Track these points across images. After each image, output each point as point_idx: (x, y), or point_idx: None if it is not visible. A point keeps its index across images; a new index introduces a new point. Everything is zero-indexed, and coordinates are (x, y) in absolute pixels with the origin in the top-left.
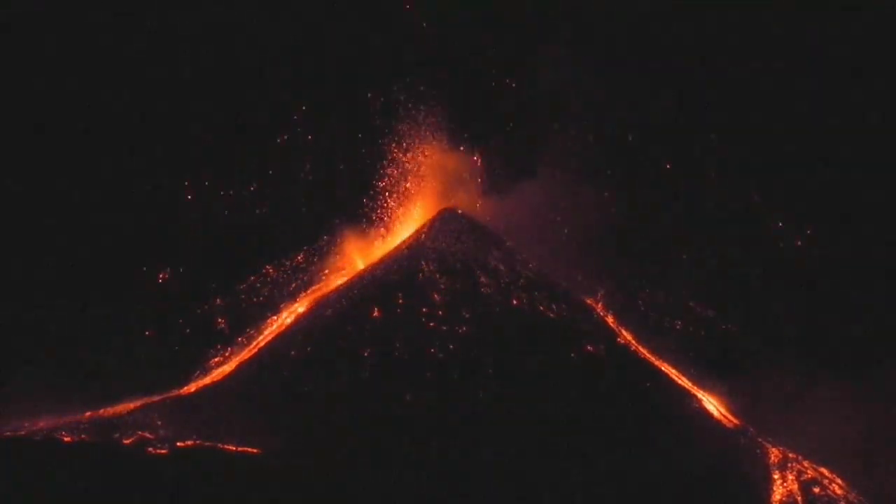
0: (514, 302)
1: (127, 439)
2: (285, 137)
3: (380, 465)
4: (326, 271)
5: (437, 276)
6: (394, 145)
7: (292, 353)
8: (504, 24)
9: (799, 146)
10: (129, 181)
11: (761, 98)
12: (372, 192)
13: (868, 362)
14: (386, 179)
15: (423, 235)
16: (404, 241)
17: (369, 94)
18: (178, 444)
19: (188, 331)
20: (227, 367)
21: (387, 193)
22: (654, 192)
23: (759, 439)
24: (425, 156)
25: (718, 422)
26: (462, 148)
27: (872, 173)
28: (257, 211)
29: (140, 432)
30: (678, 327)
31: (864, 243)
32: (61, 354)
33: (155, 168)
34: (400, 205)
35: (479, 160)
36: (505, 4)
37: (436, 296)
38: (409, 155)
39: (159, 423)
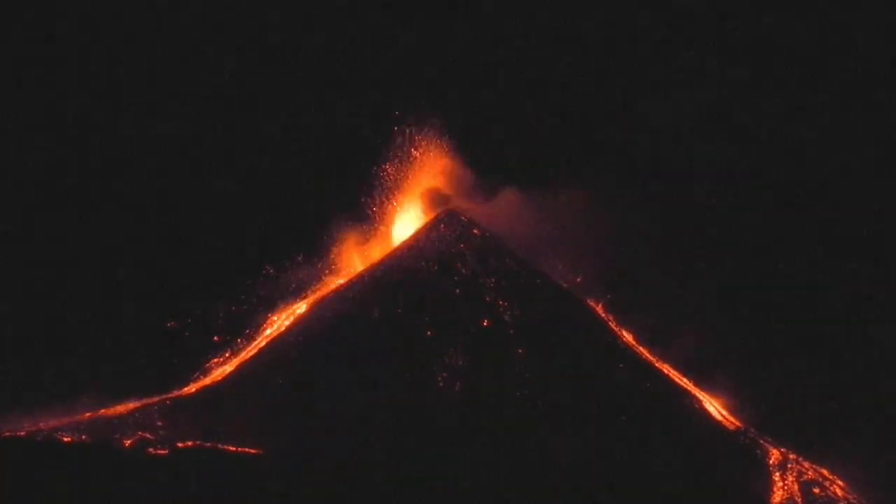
0: (515, 302)
1: (127, 439)
2: (285, 139)
3: (379, 464)
4: (326, 272)
5: (437, 276)
6: (394, 147)
7: (292, 353)
8: (506, 30)
9: (802, 151)
10: (130, 183)
11: (763, 103)
12: (372, 194)
13: (869, 363)
14: (386, 181)
15: (424, 236)
16: (404, 242)
17: (371, 96)
18: (178, 444)
19: (188, 332)
20: (227, 368)
21: (387, 194)
22: (656, 194)
23: (760, 440)
24: (426, 157)
25: (719, 422)
26: (463, 150)
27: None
28: (257, 212)
29: (140, 432)
30: (679, 328)
31: (864, 247)
32: (61, 354)
33: (155, 170)
34: (400, 206)
35: (481, 162)
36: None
37: (436, 296)
38: (410, 156)
39: (159, 423)
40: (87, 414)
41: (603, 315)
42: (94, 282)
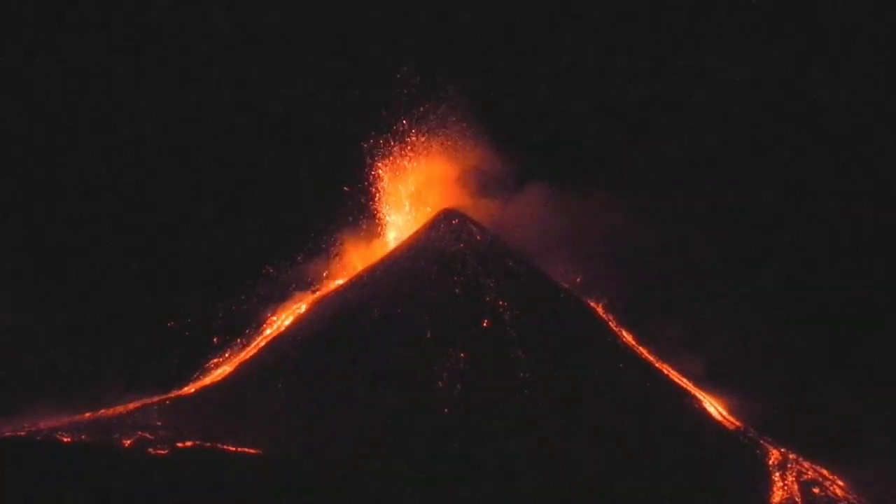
0: (515, 302)
1: (127, 439)
2: (285, 139)
3: (379, 464)
4: (326, 272)
5: (437, 276)
6: (395, 147)
7: (292, 353)
8: (506, 30)
9: (802, 148)
10: (130, 184)
11: (761, 101)
12: (372, 193)
13: (869, 363)
14: (386, 180)
15: (424, 236)
16: (404, 242)
17: (370, 97)
18: (178, 444)
19: (188, 332)
20: (227, 368)
21: (387, 194)
22: (655, 194)
23: (759, 440)
24: (426, 157)
25: (718, 422)
26: (463, 149)
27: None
28: (257, 212)
29: (140, 432)
30: (679, 329)
31: (864, 242)
32: (61, 354)
33: (155, 171)
34: (400, 206)
35: (481, 161)
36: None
37: (436, 296)
38: (409, 156)
39: (159, 423)
40: (87, 414)
41: (603, 315)
42: (94, 282)
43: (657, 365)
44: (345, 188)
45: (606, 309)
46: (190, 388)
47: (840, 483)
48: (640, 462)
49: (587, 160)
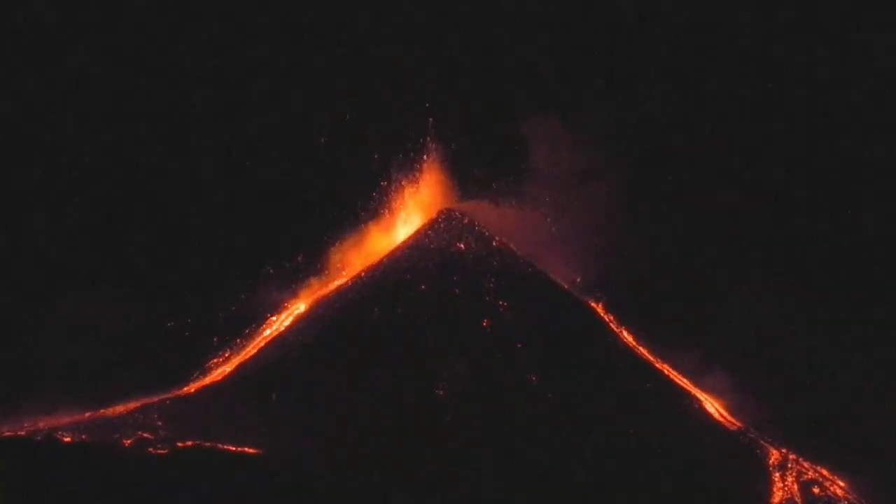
0: (515, 302)
1: (127, 439)
2: (285, 139)
3: (379, 464)
4: (326, 272)
5: (437, 276)
6: (394, 147)
7: (292, 353)
8: (508, 30)
9: (799, 144)
10: (130, 183)
11: (758, 97)
12: (372, 193)
13: (869, 363)
14: (386, 180)
15: (423, 235)
16: (404, 242)
17: (369, 96)
18: (178, 444)
19: (188, 332)
20: (227, 368)
21: (387, 194)
22: (655, 193)
23: (760, 440)
24: (426, 157)
25: (718, 422)
26: (463, 149)
27: (877, 169)
28: (257, 212)
29: (140, 432)
30: (679, 328)
31: (865, 241)
32: (61, 354)
33: (156, 171)
34: (400, 205)
35: (480, 161)
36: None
37: (436, 296)
38: (409, 156)
39: (159, 423)
40: (87, 414)
41: (603, 315)
42: (94, 281)
43: (657, 365)
44: (344, 187)
45: (606, 309)
46: (190, 388)
47: (840, 483)
48: (641, 462)
49: (587, 160)
